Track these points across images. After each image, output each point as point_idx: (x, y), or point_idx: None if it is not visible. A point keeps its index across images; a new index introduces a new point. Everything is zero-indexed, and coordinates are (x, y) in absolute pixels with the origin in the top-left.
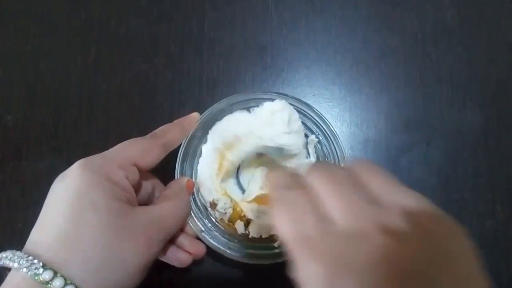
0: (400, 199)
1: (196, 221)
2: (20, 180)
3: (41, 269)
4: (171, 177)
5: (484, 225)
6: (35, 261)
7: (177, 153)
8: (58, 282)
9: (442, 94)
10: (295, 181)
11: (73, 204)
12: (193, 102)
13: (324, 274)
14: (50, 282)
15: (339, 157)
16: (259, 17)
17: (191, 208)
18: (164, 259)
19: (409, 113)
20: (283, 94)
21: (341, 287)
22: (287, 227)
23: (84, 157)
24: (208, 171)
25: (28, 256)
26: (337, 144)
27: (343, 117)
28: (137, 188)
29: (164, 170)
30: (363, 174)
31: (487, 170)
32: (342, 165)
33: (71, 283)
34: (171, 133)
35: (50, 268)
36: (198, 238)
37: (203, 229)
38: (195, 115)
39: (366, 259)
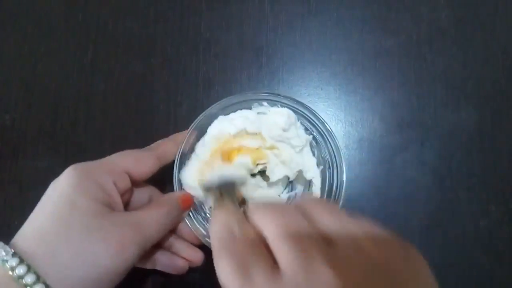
0: (351, 230)
1: (198, 226)
2: (17, 179)
3: (10, 257)
4: (171, 189)
5: (479, 225)
6: (8, 249)
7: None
8: (22, 269)
9: (437, 95)
10: (240, 226)
11: (54, 202)
12: (189, 102)
13: None
14: (14, 268)
15: (335, 153)
16: (255, 18)
17: (180, 219)
18: (160, 267)
19: (404, 113)
20: (275, 94)
21: None
22: (231, 281)
23: (81, 156)
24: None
25: (4, 245)
26: (333, 141)
27: (338, 117)
28: (128, 196)
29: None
30: (312, 210)
31: (481, 169)
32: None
33: (33, 272)
34: (165, 146)
35: (18, 257)
36: (197, 245)
37: (205, 233)
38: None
39: None
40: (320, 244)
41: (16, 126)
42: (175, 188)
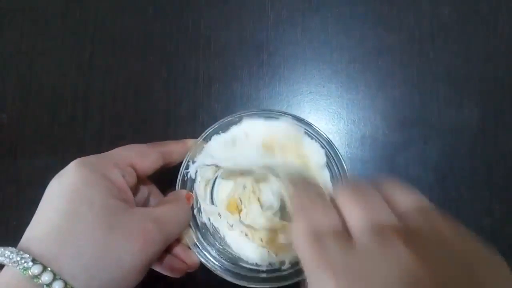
0: (433, 222)
1: (191, 233)
2: (14, 178)
3: (30, 263)
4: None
5: (482, 223)
6: (26, 255)
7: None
8: (47, 276)
9: (439, 92)
10: (322, 199)
11: (68, 200)
12: (189, 100)
13: None
14: (38, 276)
15: (338, 164)
16: (255, 15)
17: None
18: (157, 267)
19: (406, 111)
20: (294, 115)
21: None
22: (304, 241)
23: (79, 155)
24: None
25: (19, 251)
26: (335, 155)
27: (340, 115)
28: (134, 190)
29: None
30: (393, 192)
31: (484, 167)
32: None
33: (60, 278)
34: (173, 146)
35: (40, 263)
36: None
37: (196, 242)
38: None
39: (386, 276)
40: (401, 231)
41: (13, 124)
42: (177, 187)
